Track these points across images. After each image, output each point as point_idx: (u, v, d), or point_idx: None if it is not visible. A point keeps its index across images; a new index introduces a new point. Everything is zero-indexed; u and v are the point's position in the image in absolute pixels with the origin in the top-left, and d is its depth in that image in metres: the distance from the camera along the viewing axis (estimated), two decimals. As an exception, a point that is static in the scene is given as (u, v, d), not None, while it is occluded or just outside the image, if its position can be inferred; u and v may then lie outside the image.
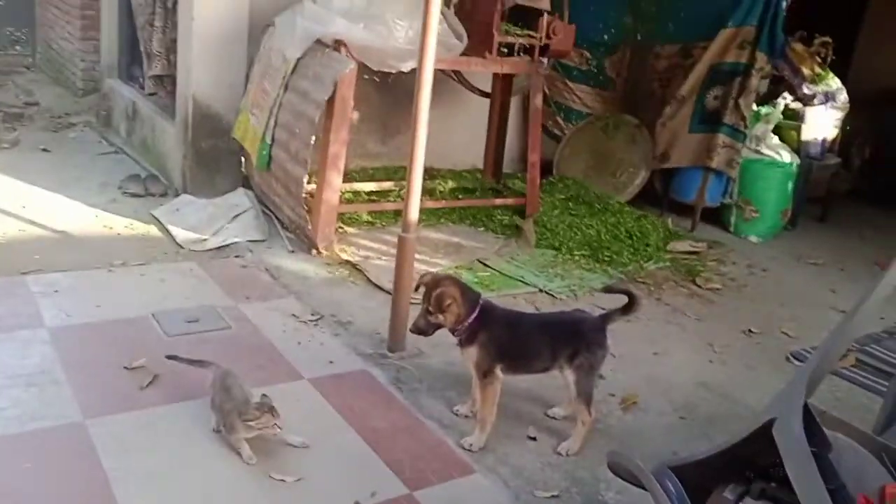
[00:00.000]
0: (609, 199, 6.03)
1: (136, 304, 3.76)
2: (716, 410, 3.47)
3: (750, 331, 4.40)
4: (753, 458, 2.28)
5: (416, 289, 3.15)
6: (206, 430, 2.83)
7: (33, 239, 4.49)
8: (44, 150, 6.30)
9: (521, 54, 5.17)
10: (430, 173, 5.99)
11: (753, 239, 6.26)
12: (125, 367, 3.18)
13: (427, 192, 5.70)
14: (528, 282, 4.69)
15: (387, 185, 5.73)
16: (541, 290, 4.60)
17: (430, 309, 2.97)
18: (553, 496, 2.74)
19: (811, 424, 1.97)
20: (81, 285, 3.91)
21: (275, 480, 2.61)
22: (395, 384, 3.37)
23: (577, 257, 5.19)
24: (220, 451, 2.73)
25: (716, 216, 6.44)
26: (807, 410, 2.00)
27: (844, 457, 2.05)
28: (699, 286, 5.02)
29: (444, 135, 5.51)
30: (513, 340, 3.03)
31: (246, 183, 5.48)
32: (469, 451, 2.93)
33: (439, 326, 3.03)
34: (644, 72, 6.76)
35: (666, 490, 2.11)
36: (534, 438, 3.07)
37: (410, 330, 3.16)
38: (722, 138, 6.18)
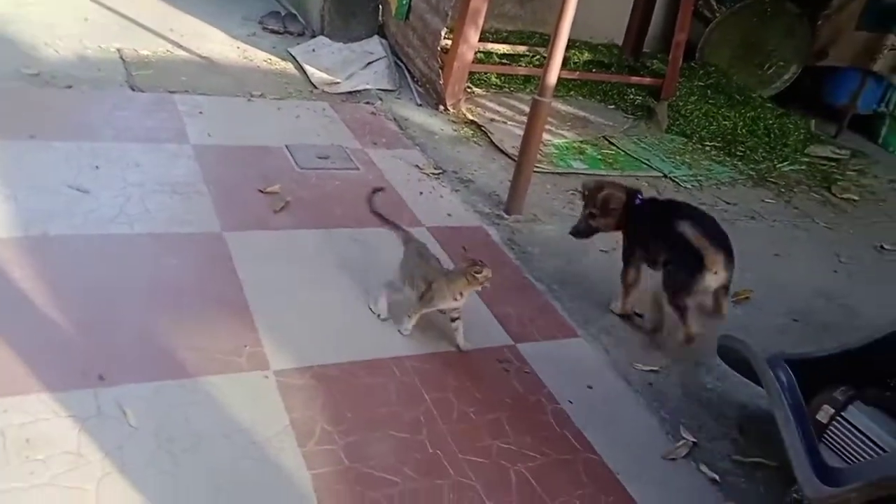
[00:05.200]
0: (751, 91, 5.69)
1: (272, 135, 3.93)
2: (832, 320, 3.37)
3: (882, 247, 4.17)
4: (872, 365, 2.24)
5: (584, 195, 3.04)
6: (329, 257, 3.01)
7: (180, 61, 4.69)
8: (191, -23, 6.44)
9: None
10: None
11: (903, 153, 5.81)
12: (260, 191, 3.37)
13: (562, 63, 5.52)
14: (654, 166, 4.57)
15: (520, 48, 5.58)
16: (665, 176, 4.48)
17: (594, 212, 2.95)
18: (651, 370, 2.79)
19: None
20: (223, 110, 4.10)
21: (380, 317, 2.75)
22: (509, 245, 3.44)
23: (707, 148, 4.99)
24: (341, 277, 2.91)
25: (865, 124, 5.97)
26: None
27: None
28: (834, 194, 4.75)
29: (584, 4, 5.22)
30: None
31: (381, 31, 5.47)
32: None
33: (597, 230, 3.02)
34: (816, -44, 6.13)
35: (778, 379, 2.12)
36: (640, 315, 3.10)
37: (570, 233, 3.10)
38: (893, 39, 5.61)
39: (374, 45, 5.24)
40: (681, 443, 2.45)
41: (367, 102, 4.67)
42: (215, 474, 1.98)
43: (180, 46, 4.89)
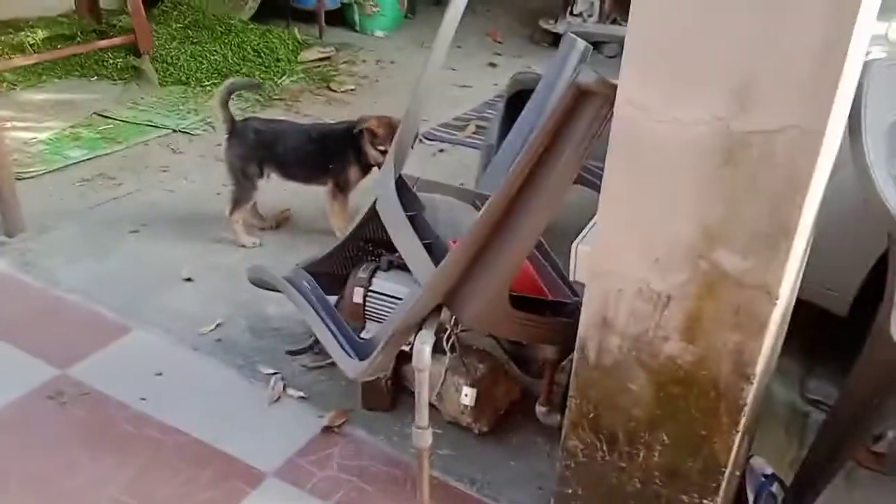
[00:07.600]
0: (230, 19, 5.71)
1: None
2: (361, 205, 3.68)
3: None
4: (375, 236, 2.50)
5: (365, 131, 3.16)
6: None
7: None
8: None
9: None
10: (13, 25, 5.18)
11: (379, 34, 6.44)
12: None
13: (15, 48, 4.94)
14: (159, 124, 4.39)
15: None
16: (174, 131, 4.35)
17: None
18: (218, 325, 2.78)
19: (405, 192, 2.18)
20: None
21: None
22: (24, 269, 3.05)
23: (208, 88, 4.93)
24: None
25: (341, 17, 6.46)
26: (400, 181, 2.19)
27: (440, 212, 2.33)
28: (335, 91, 5.11)
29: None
30: None
31: None
32: None
33: None
34: None
35: (302, 290, 2.24)
36: (189, 279, 3.04)
37: None
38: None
39: None
40: (272, 383, 2.49)
41: None
42: None
43: None
